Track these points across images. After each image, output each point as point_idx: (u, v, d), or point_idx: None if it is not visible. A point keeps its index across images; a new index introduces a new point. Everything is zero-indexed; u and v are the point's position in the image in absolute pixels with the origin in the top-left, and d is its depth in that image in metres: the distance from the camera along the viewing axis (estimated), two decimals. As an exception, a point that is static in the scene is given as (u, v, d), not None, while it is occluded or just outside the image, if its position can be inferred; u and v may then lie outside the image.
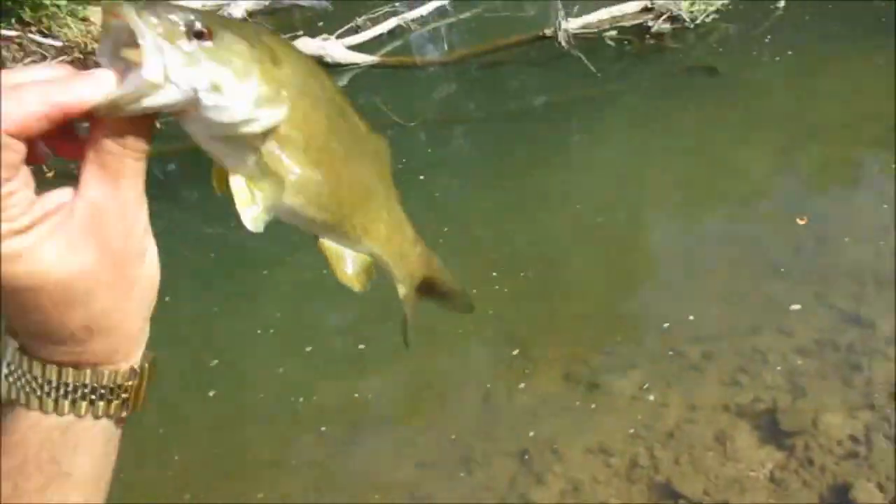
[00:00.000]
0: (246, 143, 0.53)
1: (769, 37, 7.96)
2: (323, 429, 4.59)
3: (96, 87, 0.48)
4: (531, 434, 4.07)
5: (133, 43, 0.47)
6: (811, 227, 5.12)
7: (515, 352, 4.83)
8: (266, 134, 0.52)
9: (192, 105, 0.49)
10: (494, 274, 5.48)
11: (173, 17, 0.48)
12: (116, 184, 0.51)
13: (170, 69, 0.47)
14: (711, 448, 3.65)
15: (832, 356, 4.01)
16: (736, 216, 5.77)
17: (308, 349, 5.05)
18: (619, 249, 5.75)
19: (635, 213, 6.16)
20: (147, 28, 0.47)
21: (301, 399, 4.63)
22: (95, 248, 0.50)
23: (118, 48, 0.49)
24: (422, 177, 7.26)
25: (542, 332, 4.98)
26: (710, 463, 3.56)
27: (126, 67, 0.48)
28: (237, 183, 0.53)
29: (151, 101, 0.48)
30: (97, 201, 0.51)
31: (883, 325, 4.07)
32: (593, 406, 4.16)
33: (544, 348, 4.79)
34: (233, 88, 0.49)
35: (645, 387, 4.17)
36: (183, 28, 0.49)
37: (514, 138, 7.43)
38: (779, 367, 4.03)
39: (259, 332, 5.17)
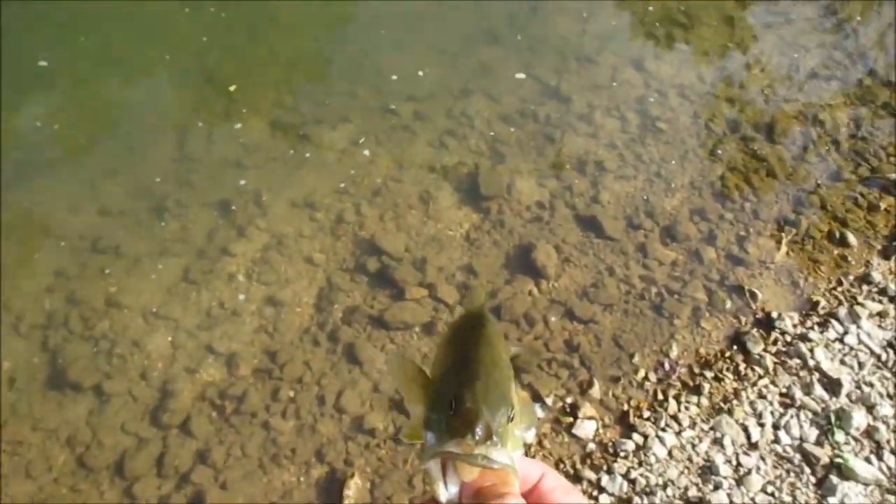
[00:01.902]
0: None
1: None
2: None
3: None
4: (239, 183, 3.81)
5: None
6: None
7: (233, 87, 4.37)
8: None
9: None
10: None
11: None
12: None
13: None
14: (415, 207, 3.75)
15: (531, 126, 4.25)
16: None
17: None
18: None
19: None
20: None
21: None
22: None
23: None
24: None
25: (252, 74, 4.54)
26: (412, 221, 3.68)
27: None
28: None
29: None
30: None
31: (578, 101, 4.38)
32: (305, 156, 3.99)
33: (255, 92, 4.40)
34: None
35: (361, 141, 4.07)
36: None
37: None
38: (486, 133, 4.17)
39: None
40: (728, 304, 3.35)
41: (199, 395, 2.96)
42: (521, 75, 4.58)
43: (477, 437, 0.59)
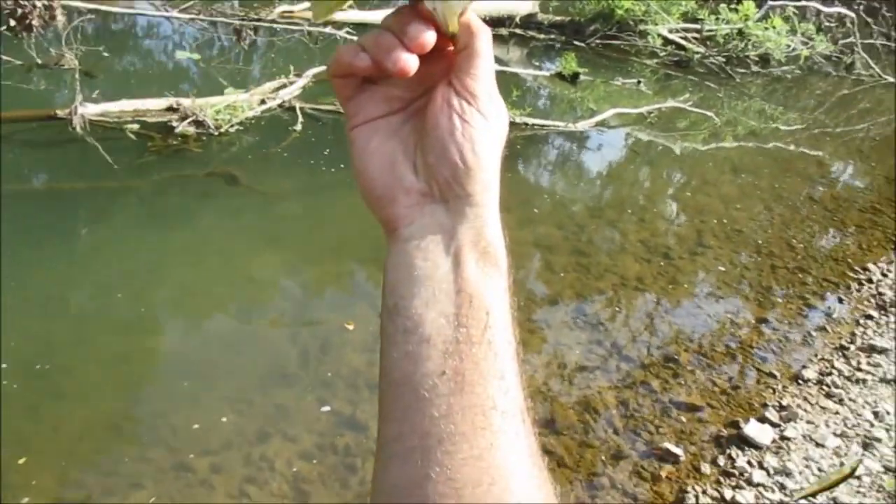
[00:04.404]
0: None
1: (286, 154, 8.57)
2: None
3: None
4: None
5: None
6: (315, 335, 5.54)
7: (22, 460, 4.05)
8: None
9: None
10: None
11: None
12: None
13: None
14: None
15: (331, 459, 4.31)
16: (248, 322, 5.88)
17: None
18: (123, 354, 5.35)
19: (144, 314, 5.83)
20: None
21: None
22: None
23: None
24: None
25: (33, 452, 4.29)
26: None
27: None
28: None
29: None
30: None
31: (374, 428, 4.55)
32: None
33: (36, 472, 4.12)
34: None
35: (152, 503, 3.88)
36: None
37: (5, 224, 6.50)
38: (285, 474, 4.16)
39: None
40: None
41: None
42: (324, 408, 4.73)
43: None
